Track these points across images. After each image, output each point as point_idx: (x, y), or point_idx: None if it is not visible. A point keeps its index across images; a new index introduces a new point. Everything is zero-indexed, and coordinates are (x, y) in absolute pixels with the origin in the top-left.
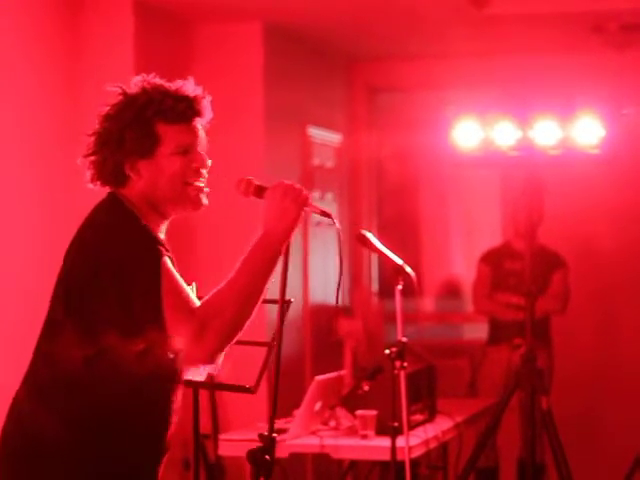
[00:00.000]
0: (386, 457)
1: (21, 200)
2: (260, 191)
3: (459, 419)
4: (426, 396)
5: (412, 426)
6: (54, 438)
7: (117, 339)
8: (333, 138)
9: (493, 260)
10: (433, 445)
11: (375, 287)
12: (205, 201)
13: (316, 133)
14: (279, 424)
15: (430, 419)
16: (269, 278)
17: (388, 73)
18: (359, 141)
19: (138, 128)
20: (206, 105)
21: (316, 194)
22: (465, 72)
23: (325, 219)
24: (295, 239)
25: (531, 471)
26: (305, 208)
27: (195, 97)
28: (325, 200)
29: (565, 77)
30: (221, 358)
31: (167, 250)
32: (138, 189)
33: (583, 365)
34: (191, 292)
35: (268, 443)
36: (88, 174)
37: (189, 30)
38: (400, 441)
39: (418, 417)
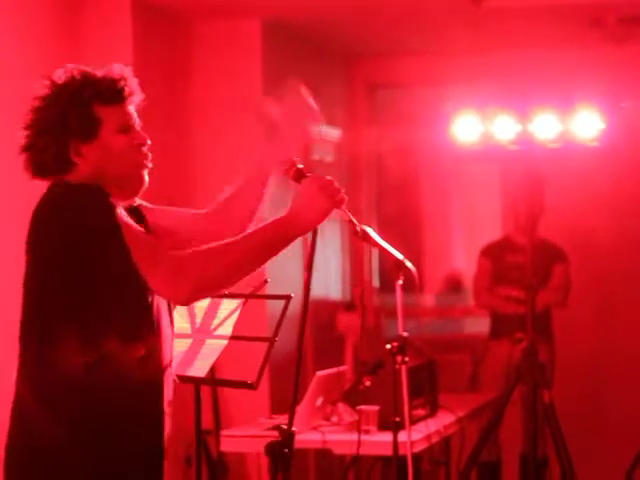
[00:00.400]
0: (388, 452)
1: (14, 208)
2: (300, 176)
3: (461, 414)
4: (428, 391)
5: (414, 421)
6: (55, 439)
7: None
8: (333, 133)
9: (494, 254)
10: (435, 440)
11: (376, 282)
12: (147, 179)
13: (316, 129)
14: (280, 420)
15: (432, 414)
16: (268, 259)
17: (387, 69)
18: (359, 136)
19: (78, 112)
20: (135, 86)
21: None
22: (464, 67)
23: (351, 227)
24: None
25: (533, 465)
26: (336, 209)
27: (125, 78)
28: None
29: (564, 71)
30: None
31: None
32: (83, 174)
33: (585, 358)
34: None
35: (287, 437)
36: (30, 168)
37: (188, 28)
38: (402, 436)
39: (420, 412)
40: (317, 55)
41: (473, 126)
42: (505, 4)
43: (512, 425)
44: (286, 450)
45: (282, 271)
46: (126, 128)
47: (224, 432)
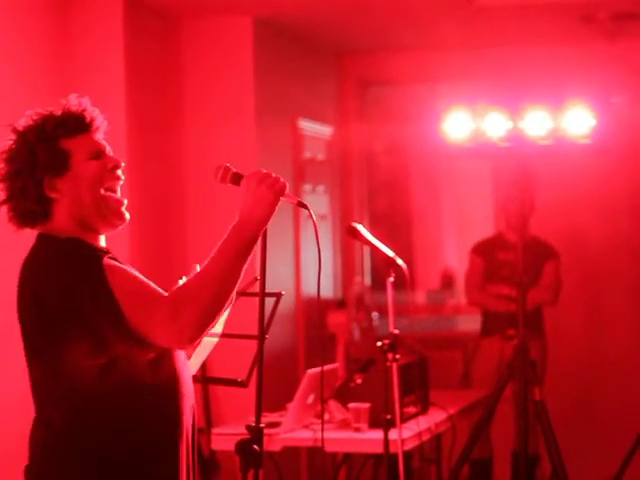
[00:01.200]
0: (379, 450)
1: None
2: (237, 178)
3: (452, 411)
4: (419, 388)
5: (405, 418)
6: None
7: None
8: (324, 131)
9: (485, 251)
10: (426, 437)
11: (367, 280)
12: (127, 215)
13: (307, 126)
14: (272, 417)
15: (423, 411)
16: (244, 264)
17: (378, 66)
18: (350, 134)
19: (45, 148)
20: (97, 114)
21: (307, 187)
22: (455, 64)
23: (304, 210)
24: (287, 232)
25: (525, 462)
26: (282, 198)
27: (85, 108)
28: (316, 193)
29: (555, 67)
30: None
31: (106, 251)
32: (64, 212)
33: (576, 356)
34: (152, 282)
35: (256, 434)
36: (14, 219)
37: (180, 25)
38: (393, 434)
39: (411, 409)
40: (308, 52)
41: (464, 123)
42: (496, 1)
43: (503, 422)
44: (256, 447)
45: (272, 269)
46: (97, 154)
47: (215, 430)
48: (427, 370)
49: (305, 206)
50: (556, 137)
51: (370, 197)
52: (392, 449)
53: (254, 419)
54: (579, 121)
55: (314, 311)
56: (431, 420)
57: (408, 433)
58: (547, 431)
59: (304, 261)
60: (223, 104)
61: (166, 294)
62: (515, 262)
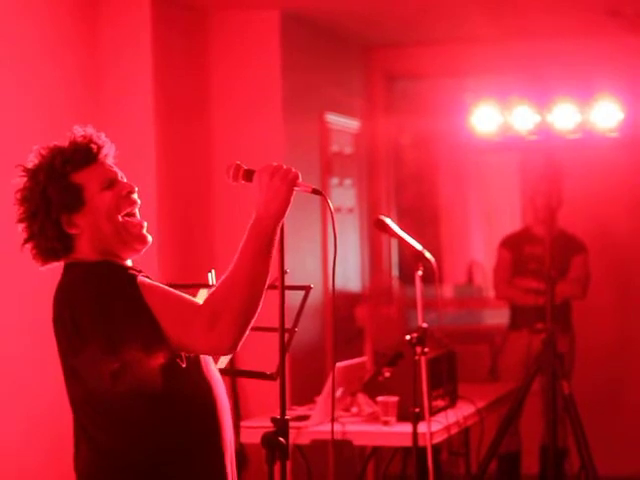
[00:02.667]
0: (408, 443)
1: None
2: (249, 175)
3: (480, 404)
4: (447, 382)
5: (433, 412)
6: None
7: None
8: (351, 125)
9: (513, 245)
10: (454, 431)
11: (395, 273)
12: (149, 237)
13: (334, 120)
14: (301, 411)
15: (451, 405)
16: (270, 259)
17: (406, 59)
18: (377, 127)
19: (57, 186)
20: (104, 140)
21: (335, 180)
22: (483, 57)
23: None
24: (314, 226)
25: (553, 456)
26: (295, 188)
27: (90, 137)
28: (344, 186)
29: (583, 61)
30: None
31: (138, 270)
32: (87, 245)
33: (604, 349)
34: (185, 295)
35: (281, 426)
36: (39, 256)
37: (207, 19)
38: (422, 427)
39: (439, 403)
40: (335, 46)
41: (492, 116)
42: None
43: (532, 416)
44: (282, 439)
45: (299, 263)
46: (109, 183)
47: (243, 423)
48: (455, 363)
49: (320, 193)
50: (584, 130)
51: (397, 190)
52: (421, 442)
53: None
54: (607, 114)
55: (342, 304)
56: (459, 413)
57: (436, 426)
58: (575, 424)
59: (331, 255)
60: (250, 98)
61: (201, 303)
62: (543, 256)
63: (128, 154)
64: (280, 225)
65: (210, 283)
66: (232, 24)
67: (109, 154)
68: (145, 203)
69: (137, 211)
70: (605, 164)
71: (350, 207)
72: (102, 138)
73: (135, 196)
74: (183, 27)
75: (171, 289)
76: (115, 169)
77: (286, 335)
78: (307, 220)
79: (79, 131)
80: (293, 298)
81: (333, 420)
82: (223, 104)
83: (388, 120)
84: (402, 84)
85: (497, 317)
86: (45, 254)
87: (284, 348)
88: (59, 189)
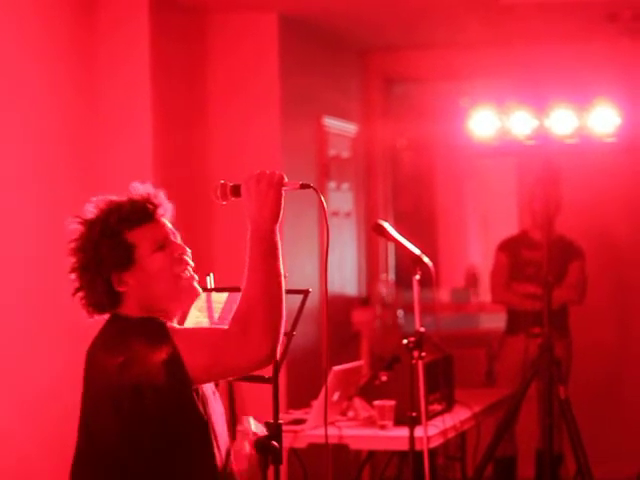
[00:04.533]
0: (404, 447)
1: (28, 207)
2: (236, 190)
3: (477, 409)
4: (444, 386)
5: (430, 416)
6: None
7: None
8: (349, 128)
9: (511, 249)
10: (451, 435)
11: (392, 277)
12: (199, 290)
13: (332, 123)
14: (297, 414)
15: (448, 409)
16: (278, 261)
17: (403, 63)
18: (375, 131)
19: (110, 244)
20: (161, 199)
21: (332, 184)
22: (481, 61)
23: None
24: (312, 230)
25: (549, 461)
26: (284, 188)
27: (148, 196)
28: (341, 190)
29: (581, 66)
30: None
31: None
32: (134, 302)
33: (601, 354)
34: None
35: (274, 430)
36: (86, 308)
37: (205, 21)
38: (418, 431)
39: (436, 407)
40: (333, 49)
41: (490, 121)
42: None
43: (529, 421)
44: (275, 443)
45: (297, 267)
46: (162, 244)
47: (239, 427)
48: (452, 368)
49: (308, 186)
50: (582, 135)
51: (395, 195)
52: (417, 447)
53: (280, 416)
54: (605, 119)
55: (339, 308)
56: (456, 418)
57: (433, 431)
58: (572, 430)
59: (329, 259)
60: (248, 101)
61: (226, 327)
62: (540, 261)
63: (125, 157)
64: (278, 227)
65: (208, 287)
66: (230, 27)
67: (165, 214)
68: None
69: (190, 268)
70: (603, 169)
71: (347, 211)
72: (159, 197)
73: (188, 258)
74: (181, 31)
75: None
76: (169, 228)
77: (284, 339)
78: (304, 224)
79: (137, 189)
80: (291, 302)
81: (327, 424)
82: (221, 107)
83: (386, 124)
84: (400, 88)
85: (494, 321)
86: (93, 307)
87: (284, 352)
88: (111, 246)
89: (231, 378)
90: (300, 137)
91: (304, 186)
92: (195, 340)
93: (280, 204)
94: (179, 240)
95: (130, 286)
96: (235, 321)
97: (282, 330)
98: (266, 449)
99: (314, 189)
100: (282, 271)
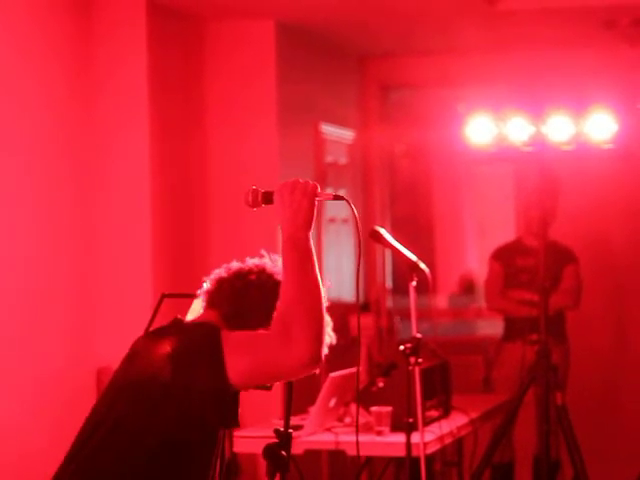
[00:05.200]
0: (401, 453)
1: (24, 212)
2: (268, 197)
3: (474, 415)
4: (441, 392)
5: (427, 422)
6: None
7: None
8: (346, 135)
9: (505, 257)
10: (448, 441)
11: (389, 284)
12: None
13: (329, 130)
14: (294, 420)
15: (445, 415)
16: (314, 266)
17: (400, 70)
18: (372, 138)
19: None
20: None
21: (329, 191)
22: (477, 68)
23: (340, 202)
24: (313, 237)
25: (546, 467)
26: (317, 198)
27: None
28: None
29: (578, 72)
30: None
31: None
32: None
33: (598, 361)
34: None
35: (284, 439)
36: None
37: (202, 28)
38: (415, 437)
39: (433, 413)
40: (330, 56)
41: (487, 127)
42: (519, 5)
43: (526, 427)
44: (283, 452)
45: None
46: None
47: (237, 433)
48: (449, 374)
49: (342, 198)
50: (579, 142)
51: (392, 201)
52: (414, 452)
53: (277, 422)
54: (602, 126)
55: (336, 315)
56: (453, 424)
57: (430, 437)
58: (569, 436)
59: (326, 265)
60: (245, 108)
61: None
62: (534, 267)
63: (122, 162)
64: (310, 234)
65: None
66: (227, 34)
67: None
68: (139, 214)
69: None
70: (600, 176)
71: (344, 217)
72: None
73: None
74: (178, 37)
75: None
76: None
77: None
78: None
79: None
80: None
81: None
82: (218, 114)
83: (383, 130)
84: (397, 94)
85: (491, 328)
86: (232, 315)
87: None
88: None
89: (276, 381)
90: (297, 144)
91: (337, 197)
92: (241, 345)
93: (313, 213)
94: None
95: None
96: (276, 323)
97: (325, 333)
98: (275, 457)
99: (347, 201)
100: (319, 275)
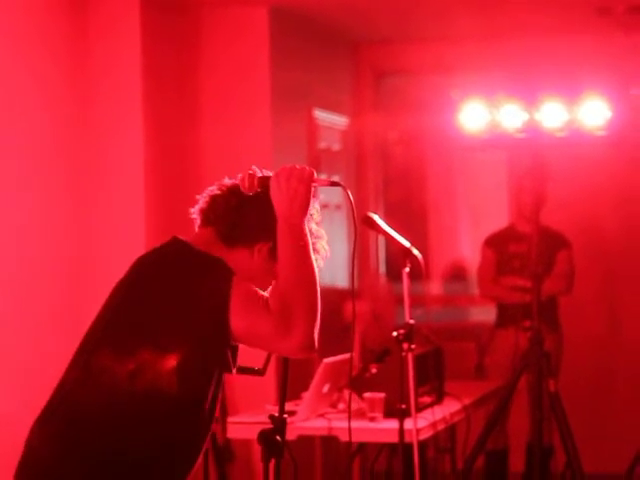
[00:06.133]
0: (394, 439)
1: (20, 209)
2: (265, 181)
3: (467, 401)
4: (434, 378)
5: (420, 408)
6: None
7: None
8: (339, 121)
9: (497, 243)
10: (441, 427)
11: (382, 270)
12: None
13: (322, 116)
14: (287, 406)
15: (438, 401)
16: (309, 252)
17: (394, 56)
18: (365, 124)
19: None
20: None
21: (323, 177)
22: (471, 54)
23: (336, 188)
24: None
25: (539, 453)
26: (313, 184)
27: None
28: None
29: (571, 59)
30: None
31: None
32: (241, 264)
33: (591, 346)
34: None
35: (279, 424)
36: (222, 232)
37: (196, 16)
38: (408, 423)
39: (426, 399)
40: (324, 42)
41: (480, 114)
42: None
43: (519, 414)
44: (278, 438)
45: None
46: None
47: (230, 419)
48: (442, 360)
49: (338, 184)
50: (572, 129)
51: (385, 187)
52: (407, 439)
53: (270, 408)
54: (595, 113)
55: (330, 301)
56: (446, 410)
57: (423, 423)
58: (561, 422)
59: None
60: (239, 95)
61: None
62: (527, 253)
63: (118, 150)
64: (305, 220)
65: None
66: (221, 21)
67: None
68: (134, 205)
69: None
70: (593, 162)
71: (338, 204)
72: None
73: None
74: (172, 27)
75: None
76: None
77: None
78: None
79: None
80: None
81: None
82: (212, 101)
83: (376, 117)
84: (390, 81)
85: (484, 314)
86: (226, 236)
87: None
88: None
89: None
90: (291, 130)
91: (334, 184)
92: (246, 306)
93: (309, 200)
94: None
95: (251, 254)
96: (275, 302)
97: (318, 318)
98: (270, 443)
99: (343, 187)
100: (314, 261)
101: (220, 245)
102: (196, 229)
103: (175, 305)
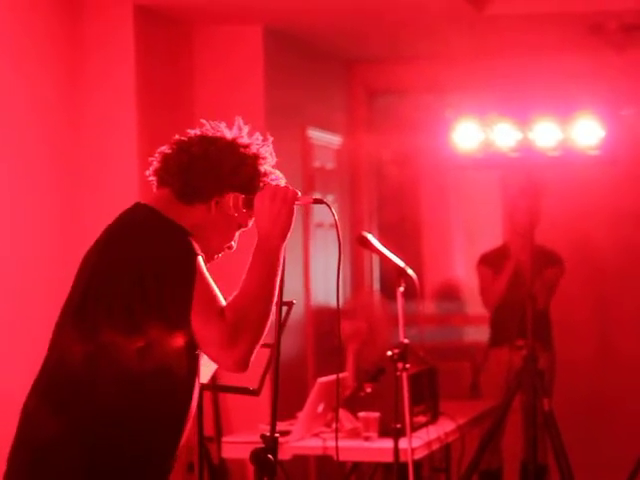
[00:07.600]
0: (389, 459)
1: (13, 216)
2: (249, 202)
3: (461, 421)
4: (428, 398)
5: (415, 428)
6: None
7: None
8: (333, 140)
9: (493, 262)
10: (436, 447)
11: (377, 289)
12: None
13: (316, 135)
14: (282, 426)
15: (433, 421)
16: (277, 276)
17: (387, 75)
18: (359, 143)
19: (246, 170)
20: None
21: (317, 196)
22: (464, 74)
23: (321, 205)
24: (296, 241)
25: (533, 472)
26: (297, 203)
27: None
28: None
29: (564, 78)
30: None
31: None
32: (193, 218)
33: (584, 367)
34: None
35: (271, 443)
36: (178, 186)
37: (190, 33)
38: (403, 443)
39: (421, 419)
40: (317, 61)
41: (473, 133)
42: (506, 11)
43: (513, 433)
44: (270, 456)
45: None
46: (242, 225)
47: (225, 438)
48: (437, 380)
49: (321, 201)
50: (565, 148)
51: (379, 206)
52: (402, 458)
53: (265, 427)
54: (588, 132)
55: (324, 320)
56: (440, 429)
57: (418, 442)
58: (555, 441)
59: (313, 270)
60: (233, 112)
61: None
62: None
63: (110, 171)
64: (285, 243)
65: None
66: (215, 39)
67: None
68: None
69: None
70: (586, 182)
71: (332, 223)
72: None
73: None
74: (166, 44)
75: (211, 279)
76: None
77: (269, 351)
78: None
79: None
80: (281, 314)
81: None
82: (205, 117)
83: (370, 136)
84: (384, 100)
85: (478, 334)
86: (184, 192)
87: (278, 365)
88: (248, 177)
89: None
90: (285, 149)
91: (317, 201)
92: (202, 301)
93: (291, 221)
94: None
95: (209, 209)
96: (230, 319)
97: (262, 341)
98: (262, 462)
99: (327, 205)
100: (277, 288)
101: (179, 204)
102: (154, 189)
103: (139, 285)
